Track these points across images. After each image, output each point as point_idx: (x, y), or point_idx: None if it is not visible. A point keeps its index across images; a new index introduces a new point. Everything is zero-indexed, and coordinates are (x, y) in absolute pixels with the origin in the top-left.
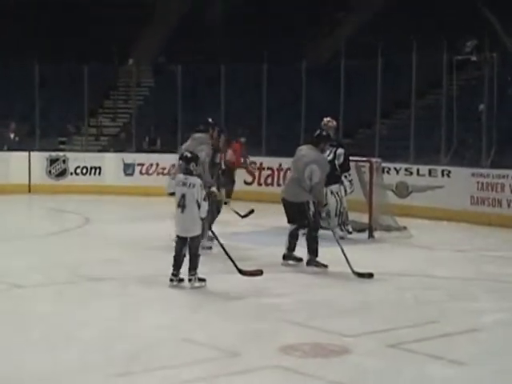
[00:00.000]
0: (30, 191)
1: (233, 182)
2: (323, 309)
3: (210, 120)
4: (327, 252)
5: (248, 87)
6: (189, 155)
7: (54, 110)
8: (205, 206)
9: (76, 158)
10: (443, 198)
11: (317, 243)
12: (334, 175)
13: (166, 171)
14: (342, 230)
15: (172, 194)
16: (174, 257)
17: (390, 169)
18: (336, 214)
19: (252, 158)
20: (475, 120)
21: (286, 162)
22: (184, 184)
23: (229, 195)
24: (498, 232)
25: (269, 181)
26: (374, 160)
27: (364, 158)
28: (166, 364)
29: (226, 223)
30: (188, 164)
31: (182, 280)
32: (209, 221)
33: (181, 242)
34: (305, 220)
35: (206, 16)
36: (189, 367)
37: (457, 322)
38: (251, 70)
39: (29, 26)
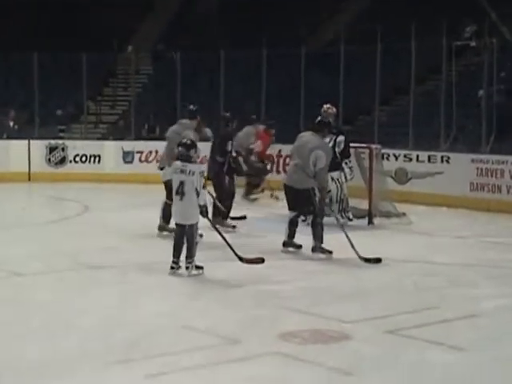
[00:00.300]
0: (29, 179)
1: (265, 171)
2: (323, 295)
3: (192, 107)
4: (331, 239)
5: (247, 73)
6: (188, 142)
7: (53, 98)
8: (204, 193)
9: (75, 146)
10: (443, 184)
11: (322, 230)
12: (334, 162)
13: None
14: (342, 217)
15: (166, 182)
16: (174, 244)
17: (389, 155)
18: (336, 201)
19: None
20: (474, 106)
21: (286, 149)
22: (182, 171)
23: (257, 186)
24: (497, 218)
25: (268, 167)
26: (373, 146)
27: (363, 145)
28: (165, 351)
29: None
30: (188, 151)
31: (180, 267)
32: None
33: (180, 229)
34: (310, 207)
35: (204, 2)
36: (189, 354)
37: (456, 308)
38: (250, 56)
39: (28, 14)
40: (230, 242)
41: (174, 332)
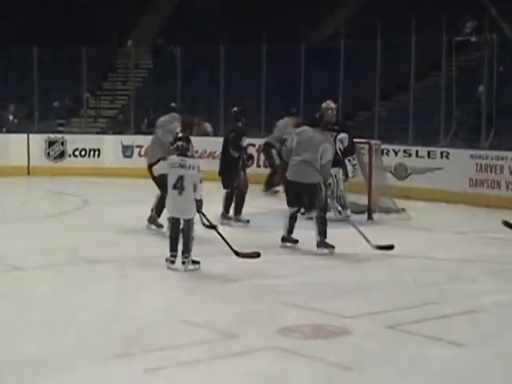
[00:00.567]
0: (28, 173)
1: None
2: (322, 290)
3: (173, 104)
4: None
5: (247, 68)
6: (188, 136)
7: (52, 92)
8: (201, 188)
9: (74, 140)
10: (442, 179)
11: (326, 224)
12: (334, 159)
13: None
14: (340, 213)
15: (160, 176)
16: (171, 238)
17: (389, 151)
18: (333, 197)
19: (251, 140)
20: (474, 102)
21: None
22: (182, 166)
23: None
24: (496, 214)
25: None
26: (373, 142)
27: (363, 140)
28: (164, 345)
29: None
30: (188, 144)
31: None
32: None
33: (176, 222)
34: (316, 201)
35: None
36: (187, 349)
37: (456, 304)
38: (250, 51)
39: (28, 7)
40: (228, 237)
41: (173, 326)
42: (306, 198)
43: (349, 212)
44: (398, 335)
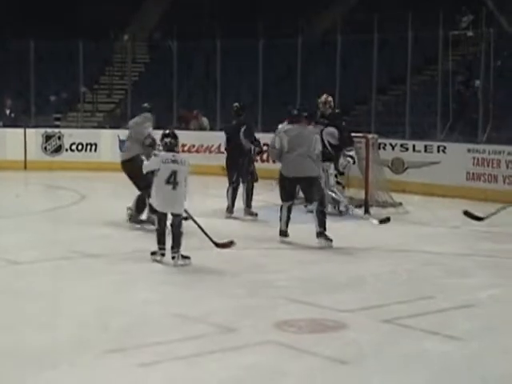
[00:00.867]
0: (25, 168)
1: None
2: (318, 285)
3: (146, 104)
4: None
5: (244, 63)
6: (174, 132)
7: (49, 87)
8: (189, 183)
9: (71, 135)
10: (439, 173)
11: (325, 216)
12: (324, 153)
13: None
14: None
15: (148, 172)
16: (159, 233)
17: (385, 145)
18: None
19: None
20: (471, 96)
21: None
22: (174, 161)
23: None
24: (493, 208)
25: (264, 157)
26: (370, 136)
27: (360, 134)
28: (159, 340)
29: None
30: (176, 140)
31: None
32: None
33: (164, 216)
34: (317, 194)
35: None
36: (183, 343)
37: (452, 298)
38: (247, 45)
39: (25, 1)
40: (228, 229)
41: (169, 321)
42: (307, 192)
43: (342, 206)
44: (395, 329)
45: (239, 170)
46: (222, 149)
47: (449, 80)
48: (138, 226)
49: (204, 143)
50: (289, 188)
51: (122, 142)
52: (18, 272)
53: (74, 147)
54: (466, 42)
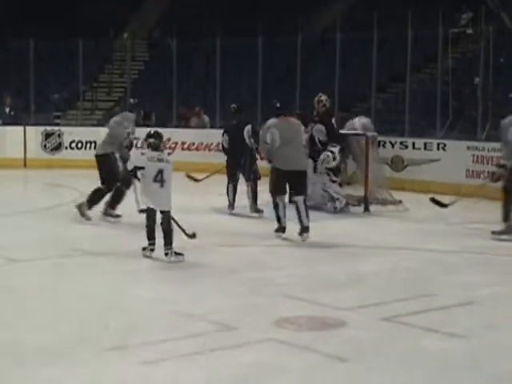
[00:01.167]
0: (25, 166)
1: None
2: (318, 282)
3: (132, 101)
4: (327, 226)
5: (243, 61)
6: (158, 132)
7: (49, 85)
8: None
9: (71, 133)
10: (439, 171)
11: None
12: (313, 150)
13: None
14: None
15: (133, 170)
16: (148, 228)
17: (385, 142)
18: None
19: None
20: (471, 93)
21: None
22: (160, 160)
23: None
24: (493, 205)
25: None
26: (369, 134)
27: (360, 132)
28: (161, 338)
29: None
30: (161, 141)
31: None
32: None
33: (153, 213)
34: (305, 187)
35: None
36: (185, 341)
37: (452, 295)
38: (246, 43)
39: (24, 2)
40: (228, 226)
41: (170, 318)
42: (297, 184)
43: (337, 203)
44: (394, 327)
45: (242, 168)
46: (220, 147)
47: (448, 78)
48: (112, 219)
49: (204, 141)
50: (283, 181)
51: None
52: (17, 270)
53: (73, 145)
54: (466, 39)
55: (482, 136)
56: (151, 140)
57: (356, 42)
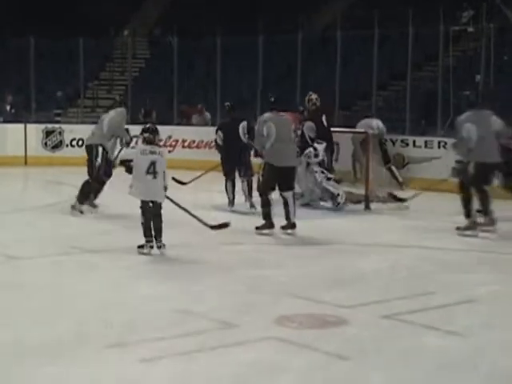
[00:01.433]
0: (26, 163)
1: None
2: (317, 280)
3: (117, 98)
4: (325, 224)
5: (244, 59)
6: (153, 127)
7: (50, 83)
8: (167, 174)
9: (72, 130)
10: (440, 169)
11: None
12: (304, 147)
13: (161, 143)
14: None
15: (124, 162)
16: (145, 224)
17: (386, 140)
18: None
19: None
20: (472, 91)
21: None
22: (152, 152)
23: None
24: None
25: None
26: (370, 131)
27: (361, 130)
28: (161, 335)
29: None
30: (155, 136)
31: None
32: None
33: (148, 207)
34: (293, 182)
35: None
36: (185, 339)
37: (452, 293)
38: (247, 42)
39: (24, 1)
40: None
41: (169, 316)
42: (288, 180)
43: (338, 199)
44: (395, 325)
45: (240, 165)
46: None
47: (449, 76)
48: (80, 213)
49: (204, 139)
50: (275, 178)
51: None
52: (17, 267)
53: (74, 143)
54: (467, 37)
55: None
56: (146, 135)
57: (357, 40)
